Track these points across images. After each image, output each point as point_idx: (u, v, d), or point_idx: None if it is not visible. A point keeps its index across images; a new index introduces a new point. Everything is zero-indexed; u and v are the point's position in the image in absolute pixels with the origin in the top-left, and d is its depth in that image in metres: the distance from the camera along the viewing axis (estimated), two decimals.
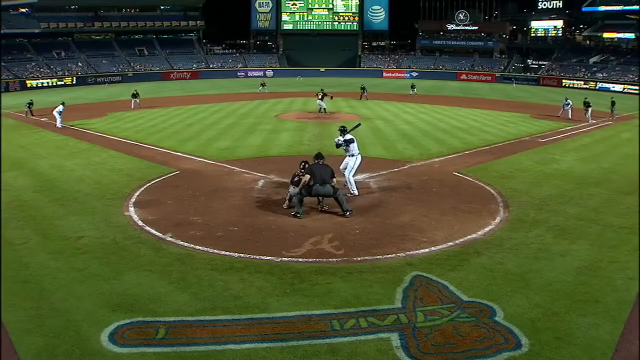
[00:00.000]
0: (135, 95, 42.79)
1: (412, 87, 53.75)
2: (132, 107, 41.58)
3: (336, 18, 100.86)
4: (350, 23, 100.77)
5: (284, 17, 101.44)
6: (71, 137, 27.70)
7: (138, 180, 17.04)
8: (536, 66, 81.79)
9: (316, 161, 13.27)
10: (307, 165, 13.47)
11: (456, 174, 17.99)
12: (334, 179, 13.13)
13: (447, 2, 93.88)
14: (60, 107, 33.99)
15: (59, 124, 32.15)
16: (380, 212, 13.49)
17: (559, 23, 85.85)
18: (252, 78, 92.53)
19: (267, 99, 48.74)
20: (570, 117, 34.36)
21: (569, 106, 35.26)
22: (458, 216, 13.18)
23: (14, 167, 20.05)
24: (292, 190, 13.43)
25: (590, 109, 33.75)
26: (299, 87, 66.76)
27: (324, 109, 36.48)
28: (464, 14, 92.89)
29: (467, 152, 22.19)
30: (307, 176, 12.90)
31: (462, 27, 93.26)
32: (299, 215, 12.74)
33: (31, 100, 39.61)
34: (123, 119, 35.42)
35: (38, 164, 20.50)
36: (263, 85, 58.41)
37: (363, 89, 48.74)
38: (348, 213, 12.87)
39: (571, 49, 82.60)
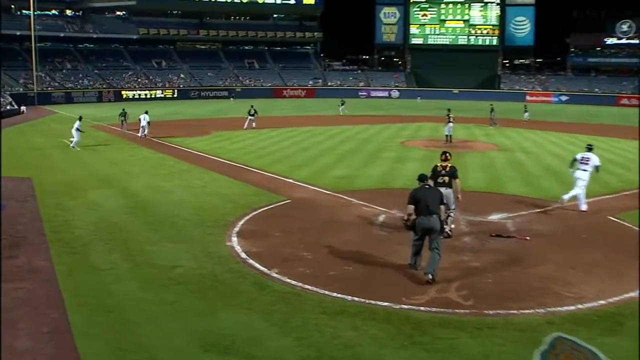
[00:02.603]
0: (252, 114, 44.19)
1: (525, 110, 54.42)
2: (246, 126, 43.20)
3: (473, 32, 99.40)
4: (489, 38, 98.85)
5: (413, 29, 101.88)
6: (170, 155, 29.38)
7: (243, 207, 17.52)
8: None
9: (421, 184, 12.47)
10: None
11: (611, 218, 16.93)
12: (442, 207, 11.88)
13: (606, 12, 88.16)
14: (147, 116, 36.52)
15: (142, 134, 34.41)
16: (517, 259, 12.89)
17: None
18: (374, 99, 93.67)
19: (389, 123, 48.86)
20: None
21: None
22: (612, 269, 12.28)
23: (104, 185, 21.53)
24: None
25: None
26: (425, 110, 66.48)
27: (449, 136, 35.80)
28: (628, 24, 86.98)
29: (625, 192, 20.82)
30: (411, 207, 12.09)
31: (626, 41, 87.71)
32: (413, 267, 12.16)
33: (124, 109, 42.57)
34: (229, 139, 37.08)
35: (131, 183, 21.80)
36: (343, 104, 61.89)
37: (492, 112, 47.91)
38: (430, 274, 11.31)
39: None
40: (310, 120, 53.27)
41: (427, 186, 12.09)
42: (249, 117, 43.85)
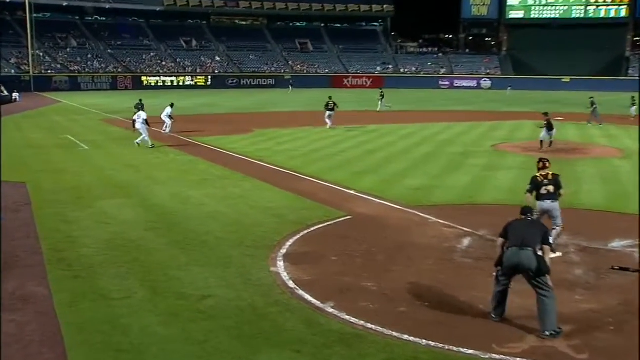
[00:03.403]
0: (332, 108, 43.81)
1: (632, 103, 53.94)
2: (329, 124, 43.17)
3: (592, 0, 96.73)
4: (615, 8, 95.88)
5: (511, 0, 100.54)
6: (202, 158, 29.86)
7: (292, 224, 17.65)
8: None
9: (521, 217, 12.13)
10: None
11: None
12: (546, 247, 11.88)
13: None
14: (169, 110, 37.09)
15: (166, 129, 34.94)
16: None
17: None
18: (459, 90, 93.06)
19: (478, 120, 48.41)
20: None
21: None
22: None
23: (119, 193, 22.03)
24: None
25: None
26: (524, 105, 65.64)
27: (546, 138, 34.02)
28: None
29: None
30: (500, 240, 11.86)
31: None
32: (493, 317, 11.80)
33: (140, 100, 43.54)
34: (275, 138, 37.52)
35: (154, 192, 22.23)
36: (382, 97, 62.24)
37: (593, 104, 46.93)
38: (547, 332, 10.84)
39: None
40: (377, 117, 53.31)
41: (529, 219, 11.80)
42: (328, 112, 43.83)
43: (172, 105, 39.23)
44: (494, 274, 11.48)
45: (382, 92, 63.99)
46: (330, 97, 44.73)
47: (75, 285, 12.74)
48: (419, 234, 16.94)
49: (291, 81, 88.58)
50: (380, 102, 60.61)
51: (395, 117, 50.84)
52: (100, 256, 14.66)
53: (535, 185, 14.96)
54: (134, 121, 33.80)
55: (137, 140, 32.80)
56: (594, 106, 47.48)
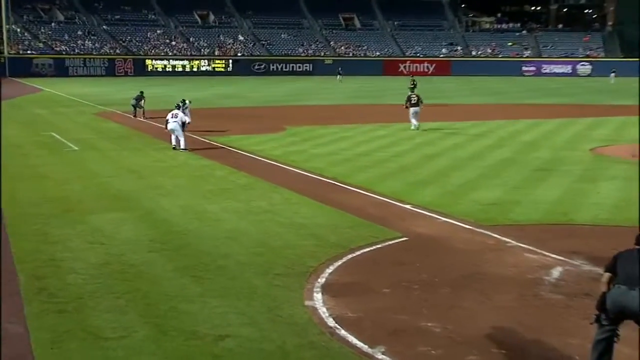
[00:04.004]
0: (414, 102, 42.53)
1: None
2: (415, 123, 42.32)
3: None
4: None
5: None
6: (220, 162, 30.17)
7: (332, 247, 17.71)
8: None
9: (635, 247, 11.81)
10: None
11: None
12: None
13: None
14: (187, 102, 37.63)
15: (173, 142, 35.35)
16: None
17: None
18: (549, 77, 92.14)
19: (572, 117, 48.12)
20: None
21: None
22: None
23: (117, 205, 22.25)
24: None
25: None
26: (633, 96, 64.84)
27: None
28: None
29: None
30: (606, 275, 11.52)
31: None
32: None
33: (141, 92, 43.92)
34: (312, 139, 37.86)
35: (159, 204, 22.45)
36: (414, 85, 59.72)
37: None
38: None
39: None
40: (441, 112, 53.10)
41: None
42: (412, 109, 42.40)
43: (142, 93, 40.19)
44: (595, 316, 11.26)
45: (413, 80, 63.04)
46: (412, 86, 44.15)
47: (60, 322, 12.79)
48: (495, 262, 16.87)
49: (340, 70, 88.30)
50: (338, 78, 59.36)
51: (464, 113, 50.66)
52: (92, 285, 14.75)
53: None
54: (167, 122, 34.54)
55: (179, 145, 33.66)
56: None
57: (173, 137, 33.79)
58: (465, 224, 20.33)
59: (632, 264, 10.76)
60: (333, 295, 14.34)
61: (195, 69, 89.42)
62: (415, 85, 60.60)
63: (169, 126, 33.63)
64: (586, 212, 22.01)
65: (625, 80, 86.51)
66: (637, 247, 11.31)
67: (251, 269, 15.92)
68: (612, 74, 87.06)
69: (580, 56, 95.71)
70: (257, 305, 13.75)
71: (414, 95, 43.23)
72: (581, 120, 47.22)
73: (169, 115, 34.04)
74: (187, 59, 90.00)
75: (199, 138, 37.08)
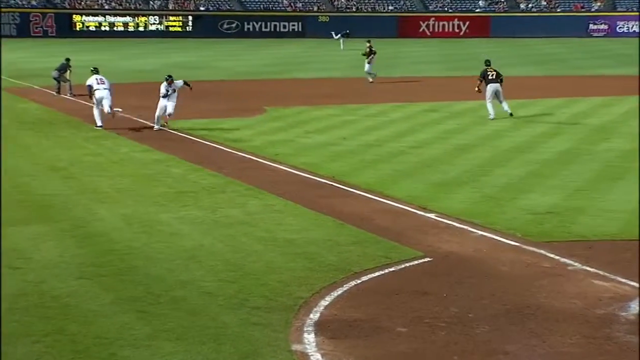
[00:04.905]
0: (492, 78, 41.30)
1: None
2: (496, 111, 41.50)
3: None
4: None
5: None
6: (179, 156, 30.15)
7: (330, 270, 17.66)
8: None
9: None
10: None
11: None
12: None
13: None
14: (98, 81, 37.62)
15: (106, 109, 35.79)
16: None
17: None
18: (625, 39, 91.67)
19: (623, 94, 48.08)
20: None
21: None
22: None
23: (38, 216, 22.17)
24: None
25: None
26: None
27: None
28: None
29: None
30: None
31: None
32: None
33: (67, 60, 43.88)
34: (302, 123, 38.07)
35: (94, 213, 22.37)
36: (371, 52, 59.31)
37: None
38: None
39: None
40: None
41: None
42: (490, 86, 41.25)
43: (67, 61, 40.23)
44: None
45: (370, 45, 60.66)
46: (488, 63, 41.55)
47: None
48: (551, 291, 16.76)
49: (347, 31, 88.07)
50: (367, 64, 59.20)
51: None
52: (3, 324, 14.60)
53: None
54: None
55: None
56: None
57: (97, 111, 33.93)
58: (511, 240, 20.22)
59: None
60: (330, 336, 14.23)
61: (141, 29, 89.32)
62: (372, 52, 59.47)
63: (98, 94, 33.89)
64: None
65: None
66: None
67: (219, 302, 15.82)
68: None
69: None
70: (228, 350, 13.62)
71: (491, 70, 41.26)
72: None
73: (93, 81, 34.43)
74: (130, 15, 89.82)
75: (148, 123, 37.07)
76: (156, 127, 36.40)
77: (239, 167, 28.41)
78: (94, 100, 36.23)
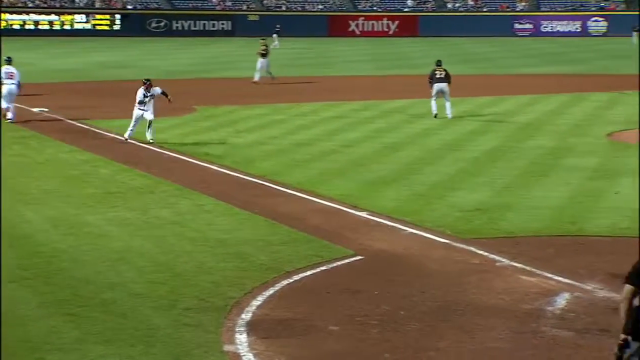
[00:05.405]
0: (440, 77, 41.38)
1: None
2: (449, 114, 41.52)
3: None
4: None
5: None
6: (105, 156, 29.97)
7: (261, 270, 17.65)
8: None
9: None
10: None
11: None
12: None
13: None
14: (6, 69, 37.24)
15: (10, 115, 35.39)
16: None
17: None
18: (550, 38, 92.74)
19: (581, 91, 48.65)
20: None
21: None
22: None
23: None
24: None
25: None
26: None
27: None
28: None
29: None
30: (627, 288, 11.69)
31: None
32: None
33: (8, 59, 43.52)
34: (233, 123, 37.93)
35: (21, 216, 21.91)
36: (265, 52, 58.67)
37: None
38: None
39: None
40: (405, 86, 53.32)
41: None
42: (436, 85, 41.07)
43: (8, 61, 39.92)
44: (622, 345, 11.31)
45: (265, 43, 59.96)
46: (264, 52, 43.29)
47: None
48: (480, 287, 16.91)
49: (278, 27, 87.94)
50: (260, 63, 57.85)
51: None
52: None
53: None
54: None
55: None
56: None
57: (4, 103, 33.69)
58: (441, 238, 20.34)
59: None
60: (263, 336, 14.24)
61: (67, 27, 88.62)
62: (267, 52, 58.49)
63: (4, 90, 33.62)
64: (601, 220, 22.16)
65: None
66: None
67: (150, 303, 15.74)
68: (635, 33, 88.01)
69: (593, 9, 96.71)
70: (159, 352, 13.58)
71: (439, 70, 41.19)
72: (594, 96, 47.74)
73: (3, 73, 34.19)
74: (55, 13, 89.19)
75: (75, 123, 36.75)
76: (126, 135, 33.72)
77: (169, 167, 28.31)
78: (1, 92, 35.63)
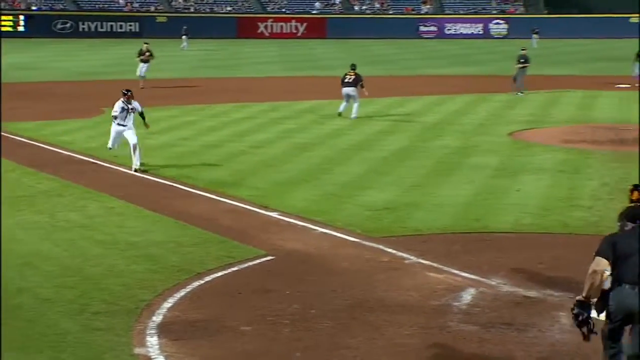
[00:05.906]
0: (349, 82, 41.20)
1: None
2: (355, 114, 41.23)
3: None
4: None
5: None
6: (12, 159, 29.34)
7: (172, 272, 17.60)
8: None
9: (628, 227, 12.04)
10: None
11: None
12: None
13: None
14: None
15: None
16: None
17: None
18: (453, 40, 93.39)
19: (484, 92, 49.03)
20: None
21: None
22: None
23: None
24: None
25: None
26: (572, 65, 66.21)
27: None
28: None
29: None
30: (603, 262, 11.67)
31: None
32: None
33: None
34: (141, 125, 36.99)
35: None
36: (149, 54, 57.77)
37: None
38: None
39: None
40: (313, 87, 53.39)
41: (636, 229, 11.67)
42: (346, 89, 41.21)
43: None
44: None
45: (147, 46, 58.01)
46: (352, 67, 41.80)
47: None
48: (389, 285, 17.02)
49: (186, 29, 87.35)
50: (140, 67, 56.81)
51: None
52: None
53: (632, 215, 12.49)
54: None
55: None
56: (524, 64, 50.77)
57: None
58: (351, 237, 20.46)
59: (632, 254, 11.26)
60: (174, 338, 14.24)
61: None
62: (150, 54, 56.95)
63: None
64: (505, 217, 22.51)
65: (552, 43, 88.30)
66: (630, 225, 11.44)
67: (58, 308, 15.59)
68: (535, 36, 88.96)
69: (494, 12, 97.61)
70: (68, 358, 13.49)
71: (350, 74, 41.45)
72: (496, 97, 48.34)
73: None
74: None
75: None
76: (109, 146, 29.93)
77: (77, 170, 28.09)
78: None
